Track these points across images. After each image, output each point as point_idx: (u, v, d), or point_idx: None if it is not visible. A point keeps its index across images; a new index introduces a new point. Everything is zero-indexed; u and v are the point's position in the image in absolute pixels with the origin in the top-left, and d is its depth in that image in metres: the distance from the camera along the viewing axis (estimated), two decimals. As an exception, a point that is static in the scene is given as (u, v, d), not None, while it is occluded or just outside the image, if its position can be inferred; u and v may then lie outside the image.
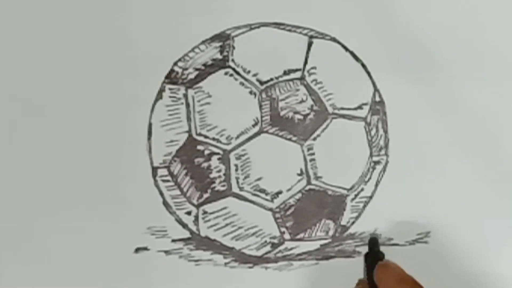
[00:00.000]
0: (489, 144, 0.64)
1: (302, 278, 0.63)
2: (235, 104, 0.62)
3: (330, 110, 0.63)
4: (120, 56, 0.62)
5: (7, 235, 0.62)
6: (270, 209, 0.62)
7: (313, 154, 0.62)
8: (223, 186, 0.62)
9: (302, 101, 0.62)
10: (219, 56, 0.62)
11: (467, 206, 0.63)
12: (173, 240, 0.62)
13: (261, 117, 0.62)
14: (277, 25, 0.63)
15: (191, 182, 0.62)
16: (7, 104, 0.62)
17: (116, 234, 0.62)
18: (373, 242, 0.62)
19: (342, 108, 0.63)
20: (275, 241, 0.63)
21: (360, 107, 0.63)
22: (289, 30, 0.63)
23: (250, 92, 0.62)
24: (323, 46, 0.63)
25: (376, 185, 0.64)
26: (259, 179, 0.62)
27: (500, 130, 0.64)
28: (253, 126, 0.62)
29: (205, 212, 0.62)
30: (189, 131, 0.62)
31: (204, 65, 0.62)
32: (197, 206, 0.62)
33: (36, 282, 0.62)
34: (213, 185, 0.62)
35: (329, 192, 0.62)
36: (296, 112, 0.62)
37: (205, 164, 0.62)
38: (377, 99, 0.63)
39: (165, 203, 0.62)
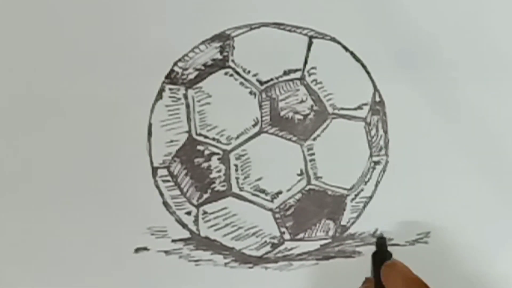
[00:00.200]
0: (489, 144, 0.64)
1: (302, 278, 0.63)
2: (235, 104, 0.62)
3: (330, 110, 0.62)
4: (120, 56, 0.62)
5: (7, 235, 0.62)
6: (270, 209, 0.62)
7: (313, 154, 0.62)
8: (223, 186, 0.62)
9: (302, 101, 0.62)
10: (219, 56, 0.62)
11: (467, 206, 0.63)
12: (173, 240, 0.62)
13: (261, 117, 0.62)
14: (277, 25, 0.63)
15: (191, 182, 0.62)
16: (7, 104, 0.62)
17: (116, 234, 0.62)
18: (381, 242, 0.62)
19: (342, 108, 0.63)
20: (275, 241, 0.63)
21: (360, 107, 0.63)
22: (289, 30, 0.63)
23: (250, 92, 0.62)
24: (323, 46, 0.63)
25: (376, 185, 0.64)
26: (259, 179, 0.62)
27: (500, 130, 0.64)
28: (253, 126, 0.62)
29: (205, 212, 0.62)
30: (189, 131, 0.62)
31: (204, 65, 0.62)
32: (197, 206, 0.62)
33: (36, 282, 0.62)
34: (213, 185, 0.62)
35: (329, 192, 0.63)
36: (296, 112, 0.62)
37: (205, 164, 0.62)
38: (377, 99, 0.63)
39: (165, 203, 0.62)
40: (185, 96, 0.62)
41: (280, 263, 0.63)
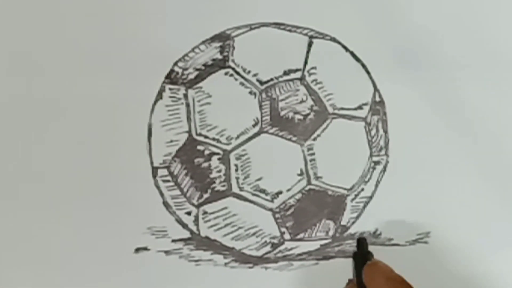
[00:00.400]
0: (489, 144, 0.64)
1: (302, 278, 0.63)
2: (235, 104, 0.62)
3: (330, 110, 0.62)
4: (120, 56, 0.62)
5: (7, 235, 0.62)
6: (270, 209, 0.62)
7: (313, 154, 0.62)
8: (223, 186, 0.62)
9: (302, 101, 0.62)
10: (219, 56, 0.62)
11: (467, 206, 0.63)
12: (173, 240, 0.62)
13: (261, 117, 0.62)
14: (277, 25, 0.63)
15: (191, 182, 0.62)
16: (7, 104, 0.62)
17: (116, 234, 0.62)
18: (362, 242, 0.60)
19: (342, 108, 0.63)
20: (275, 241, 0.63)
21: (360, 107, 0.63)
22: (289, 30, 0.63)
23: (250, 92, 0.62)
24: (323, 46, 0.63)
25: (376, 185, 0.64)
26: (259, 179, 0.62)
27: (501, 130, 0.64)
28: (253, 126, 0.62)
29: (205, 212, 0.62)
30: (189, 131, 0.62)
31: (204, 65, 0.62)
32: (197, 206, 0.62)
33: (36, 282, 0.62)
34: (213, 185, 0.62)
35: (329, 192, 0.62)
36: (296, 112, 0.62)
37: (205, 164, 0.62)
38: (377, 99, 0.63)
39: (165, 203, 0.62)
40: (185, 96, 0.62)
41: (280, 263, 0.63)
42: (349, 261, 0.63)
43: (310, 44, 0.63)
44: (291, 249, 0.63)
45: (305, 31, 0.63)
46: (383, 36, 0.64)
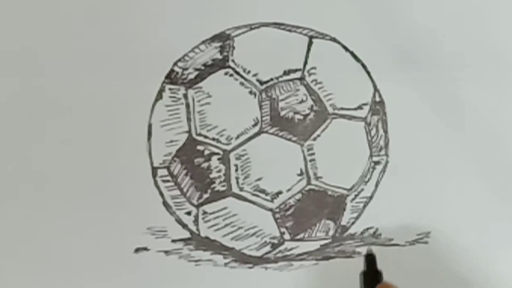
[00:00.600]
0: (489, 144, 0.64)
1: (302, 278, 0.63)
2: (235, 104, 0.62)
3: (330, 110, 0.62)
4: (120, 56, 0.62)
5: (7, 235, 0.62)
6: (270, 209, 0.62)
7: (313, 154, 0.62)
8: (223, 186, 0.62)
9: (302, 101, 0.62)
10: (219, 56, 0.62)
11: (467, 206, 0.63)
12: (173, 240, 0.62)
13: (261, 117, 0.62)
14: (277, 25, 0.63)
15: (191, 182, 0.62)
16: (7, 103, 0.62)
17: (116, 234, 0.62)
18: (371, 260, 0.59)
19: (342, 108, 0.63)
20: (275, 241, 0.63)
21: (360, 107, 0.63)
22: (289, 30, 0.63)
23: (250, 92, 0.62)
24: (323, 46, 0.63)
25: (376, 185, 0.64)
26: (259, 179, 0.62)
27: (500, 129, 0.64)
28: (253, 126, 0.62)
29: (205, 212, 0.62)
30: (189, 131, 0.62)
31: (204, 65, 0.62)
32: (197, 206, 0.62)
33: (36, 282, 0.62)
34: (213, 185, 0.62)
35: (329, 192, 0.62)
36: (296, 112, 0.62)
37: (205, 164, 0.62)
38: (377, 99, 0.63)
39: (165, 203, 0.62)
40: (185, 96, 0.62)
41: (280, 263, 0.63)
42: (349, 261, 0.63)
43: (310, 44, 0.63)
44: (291, 249, 0.63)
45: (305, 31, 0.63)
46: (383, 36, 0.64)
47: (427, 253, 0.63)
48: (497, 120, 0.64)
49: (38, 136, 0.62)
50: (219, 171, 0.62)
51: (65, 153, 0.62)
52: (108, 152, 0.62)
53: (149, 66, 0.62)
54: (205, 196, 0.62)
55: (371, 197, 0.63)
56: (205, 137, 0.62)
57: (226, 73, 0.62)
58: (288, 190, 0.62)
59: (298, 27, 0.63)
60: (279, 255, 0.63)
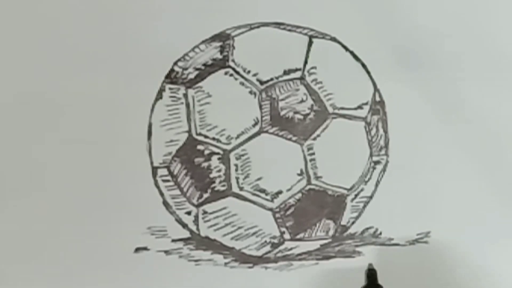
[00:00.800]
0: (489, 143, 0.64)
1: (302, 278, 0.63)
2: (235, 104, 0.62)
3: (330, 110, 0.63)
4: (120, 56, 0.62)
5: (7, 235, 0.62)
6: (270, 209, 0.62)
7: (313, 154, 0.62)
8: (223, 186, 0.62)
9: (302, 101, 0.62)
10: (219, 56, 0.62)
11: (467, 206, 0.63)
12: (173, 240, 0.62)
13: (261, 117, 0.62)
14: (277, 25, 0.63)
15: (191, 182, 0.62)
16: (7, 103, 0.62)
17: (116, 234, 0.62)
18: (372, 275, 0.59)
19: (342, 108, 0.63)
20: (275, 241, 0.63)
21: (360, 107, 0.63)
22: (289, 30, 0.63)
23: (250, 92, 0.62)
24: (323, 46, 0.63)
25: (376, 185, 0.64)
26: (259, 179, 0.62)
27: (500, 129, 0.64)
28: (253, 126, 0.62)
29: (205, 212, 0.62)
30: (189, 131, 0.62)
31: (204, 65, 0.62)
32: (197, 206, 0.62)
33: (36, 282, 0.62)
34: (213, 185, 0.62)
35: (329, 192, 0.62)
36: (296, 112, 0.62)
37: (205, 164, 0.62)
38: (377, 99, 0.63)
39: (165, 203, 0.62)
40: (185, 96, 0.62)
41: (280, 263, 0.63)
42: (349, 261, 0.63)
43: (310, 44, 0.63)
44: (291, 249, 0.63)
45: (305, 31, 0.63)
46: (383, 36, 0.64)
47: (427, 253, 0.63)
48: (497, 119, 0.64)
49: (38, 136, 0.62)
50: (219, 170, 0.62)
51: (65, 153, 0.62)
52: (108, 152, 0.62)
53: (149, 66, 0.62)
54: (205, 195, 0.62)
55: (371, 197, 0.63)
56: (205, 136, 0.62)
57: (226, 73, 0.62)
58: (288, 190, 0.62)
59: (298, 27, 0.63)
60: (279, 254, 0.63)
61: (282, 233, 0.63)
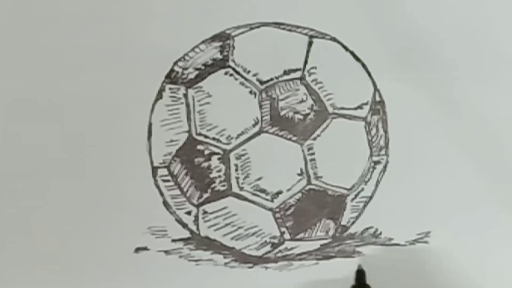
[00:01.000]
0: (489, 143, 0.64)
1: (302, 278, 0.63)
2: (235, 104, 0.62)
3: (330, 110, 0.63)
4: (120, 56, 0.62)
5: (7, 235, 0.62)
6: (270, 209, 0.62)
7: (313, 154, 0.62)
8: (223, 186, 0.62)
9: (302, 101, 0.62)
10: (219, 56, 0.62)
11: (467, 206, 0.63)
12: (173, 240, 0.62)
13: (261, 117, 0.62)
14: (277, 25, 0.63)
15: (191, 182, 0.62)
16: (5, 104, 0.62)
17: (116, 234, 0.62)
18: (360, 276, 0.61)
19: (342, 108, 0.63)
20: (275, 241, 0.63)
21: (360, 107, 0.63)
22: (289, 30, 0.63)
23: (250, 92, 0.62)
24: (323, 46, 0.63)
25: (376, 185, 0.64)
26: (259, 179, 0.62)
27: (500, 129, 0.64)
28: (253, 126, 0.62)
29: (205, 212, 0.62)
30: (189, 131, 0.62)
31: (204, 65, 0.62)
32: (197, 206, 0.62)
33: (36, 282, 0.62)
34: (213, 185, 0.62)
35: (329, 192, 0.62)
36: (296, 112, 0.62)
37: (205, 164, 0.62)
38: (377, 99, 0.63)
39: (165, 203, 0.62)
40: (185, 96, 0.62)
41: (280, 263, 0.63)
42: (349, 261, 0.63)
43: (310, 44, 0.63)
44: (291, 249, 0.63)
45: (305, 31, 0.63)
46: (383, 36, 0.64)
47: (427, 253, 0.63)
48: (497, 120, 0.64)
49: (38, 135, 0.62)
50: (219, 170, 0.62)
51: (65, 152, 0.62)
52: (108, 152, 0.62)
53: (149, 66, 0.62)
54: (205, 195, 0.62)
55: (371, 197, 0.63)
56: (205, 136, 0.62)
57: (226, 73, 0.62)
58: (288, 189, 0.62)
59: (298, 27, 0.63)
60: (279, 254, 0.63)
61: (282, 233, 0.63)
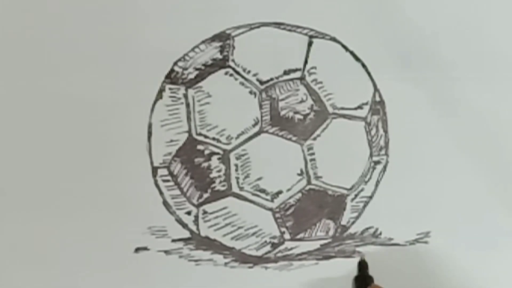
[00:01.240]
0: (489, 144, 0.64)
1: (302, 278, 0.63)
2: (235, 104, 0.62)
3: (330, 110, 0.63)
4: (120, 56, 0.62)
5: (7, 235, 0.62)
6: (270, 209, 0.62)
7: (313, 154, 0.62)
8: (223, 186, 0.62)
9: (302, 101, 0.62)
10: (219, 56, 0.62)
11: (467, 206, 0.63)
12: (173, 240, 0.62)
13: (261, 117, 0.62)
14: (277, 25, 0.63)
15: (191, 182, 0.62)
16: (6, 104, 0.62)
17: (116, 234, 0.62)
18: (363, 266, 0.62)
19: (342, 108, 0.63)
20: (275, 241, 0.63)
21: (360, 107, 0.63)
22: (289, 30, 0.63)
23: (250, 92, 0.62)
24: (323, 46, 0.63)
25: (376, 185, 0.64)
26: (259, 179, 0.62)
27: (500, 129, 0.64)
28: (253, 126, 0.62)
29: (205, 212, 0.62)
30: (189, 131, 0.62)
31: (204, 65, 0.62)
32: (197, 206, 0.62)
33: (36, 282, 0.62)
34: (213, 185, 0.62)
35: (329, 192, 0.62)
36: (296, 112, 0.62)
37: (205, 164, 0.62)
38: (377, 99, 0.64)
39: (165, 203, 0.62)
40: (185, 96, 0.62)
41: (280, 263, 0.63)
42: (349, 261, 0.63)
43: (310, 44, 0.63)
44: (291, 249, 0.63)
45: (305, 31, 0.63)
46: (383, 36, 0.64)
47: (427, 253, 0.63)
48: (497, 120, 0.64)
49: (38, 135, 0.62)
50: (219, 170, 0.62)
51: (65, 152, 0.62)
52: (108, 152, 0.62)
53: (149, 66, 0.62)
54: (205, 195, 0.62)
55: (371, 197, 0.63)
56: (205, 136, 0.62)
57: (226, 73, 0.62)
58: (288, 189, 0.62)
59: (298, 27, 0.63)
60: (279, 254, 0.63)
61: (282, 233, 0.63)
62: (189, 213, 0.62)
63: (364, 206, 0.63)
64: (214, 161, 0.62)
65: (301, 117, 0.62)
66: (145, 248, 0.62)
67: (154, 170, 0.62)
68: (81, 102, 0.62)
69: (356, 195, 0.63)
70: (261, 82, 0.62)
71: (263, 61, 0.62)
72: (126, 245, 0.62)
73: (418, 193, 0.64)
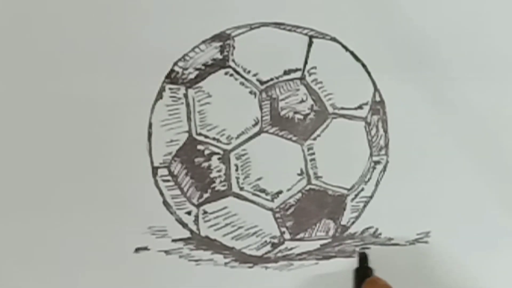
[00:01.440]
0: (489, 143, 0.64)
1: (302, 278, 0.63)
2: (235, 104, 0.62)
3: (330, 110, 0.63)
4: (120, 56, 0.62)
5: (7, 235, 0.62)
6: (270, 209, 0.62)
7: (313, 154, 0.62)
8: (223, 186, 0.62)
9: (302, 101, 0.62)
10: (219, 56, 0.62)
11: (467, 206, 0.63)
12: (173, 240, 0.62)
13: (261, 117, 0.62)
14: (277, 25, 0.63)
15: (191, 182, 0.62)
16: (6, 104, 0.62)
17: (116, 234, 0.62)
18: (363, 257, 0.62)
19: (342, 108, 0.63)
20: (275, 241, 0.63)
21: (360, 107, 0.63)
22: (289, 30, 0.63)
23: (250, 92, 0.62)
24: (323, 46, 0.63)
25: (376, 185, 0.64)
26: (259, 179, 0.62)
27: (500, 129, 0.64)
28: (253, 126, 0.62)
29: (205, 212, 0.62)
30: (189, 131, 0.62)
31: (204, 65, 0.62)
32: (197, 206, 0.62)
33: (36, 282, 0.62)
34: (213, 185, 0.62)
35: (329, 192, 0.63)
36: (296, 112, 0.62)
37: (205, 164, 0.62)
38: (377, 99, 0.64)
39: (165, 203, 0.62)
40: (185, 96, 0.62)
41: (280, 263, 0.63)
42: (349, 261, 0.63)
43: (310, 44, 0.63)
44: (291, 249, 0.63)
45: (305, 31, 0.63)
46: (383, 36, 0.64)
47: (427, 253, 0.63)
48: (497, 120, 0.64)
49: (38, 135, 0.62)
50: (219, 170, 0.62)
51: (65, 152, 0.62)
52: (108, 152, 0.62)
53: (149, 66, 0.62)
54: (205, 195, 0.62)
55: (371, 197, 0.64)
56: (206, 136, 0.62)
57: (226, 73, 0.62)
58: (288, 189, 0.62)
59: (298, 27, 0.63)
60: (279, 254, 0.63)
61: (282, 233, 0.63)
62: (189, 213, 0.62)
63: (364, 206, 0.63)
64: (214, 161, 0.62)
65: (301, 117, 0.62)
66: (145, 248, 0.62)
67: (154, 170, 0.62)
68: (81, 102, 0.62)
69: (356, 195, 0.63)
70: (261, 82, 0.62)
71: (263, 61, 0.62)
72: (126, 245, 0.62)
73: (418, 193, 0.64)
